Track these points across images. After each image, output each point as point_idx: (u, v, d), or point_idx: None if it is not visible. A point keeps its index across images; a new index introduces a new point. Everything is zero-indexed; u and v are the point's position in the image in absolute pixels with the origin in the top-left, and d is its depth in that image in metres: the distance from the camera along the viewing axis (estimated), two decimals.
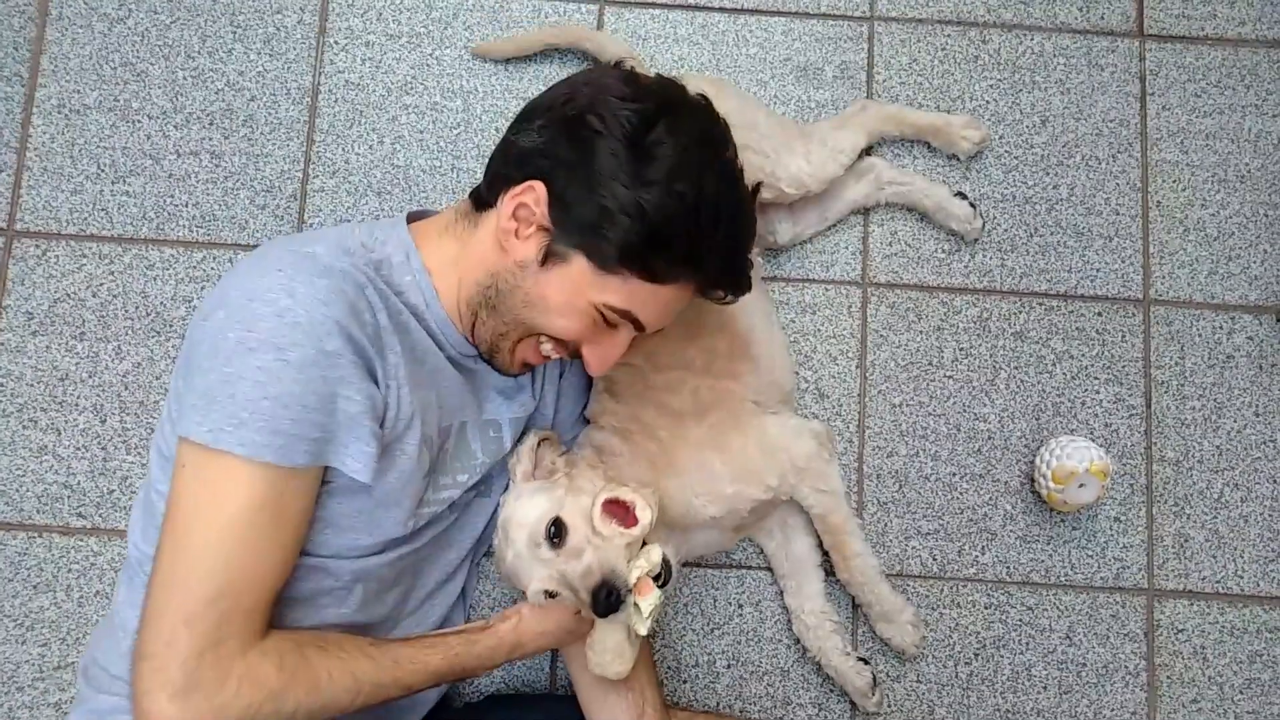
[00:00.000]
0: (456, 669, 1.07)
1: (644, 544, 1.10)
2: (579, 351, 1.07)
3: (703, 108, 1.05)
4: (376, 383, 0.96)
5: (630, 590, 1.05)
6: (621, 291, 1.00)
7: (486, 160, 1.08)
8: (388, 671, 1.00)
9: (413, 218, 1.12)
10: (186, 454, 0.91)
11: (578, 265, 0.99)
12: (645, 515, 1.09)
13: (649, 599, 1.06)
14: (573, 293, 1.00)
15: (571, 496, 1.09)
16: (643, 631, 1.08)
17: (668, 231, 0.97)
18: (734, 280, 1.06)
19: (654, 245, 0.97)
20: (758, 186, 1.12)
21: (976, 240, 1.48)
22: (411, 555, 1.11)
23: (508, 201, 1.00)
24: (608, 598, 1.02)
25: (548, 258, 0.99)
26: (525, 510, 1.09)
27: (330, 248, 0.98)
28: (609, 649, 1.11)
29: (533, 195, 0.99)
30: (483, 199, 1.06)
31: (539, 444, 1.18)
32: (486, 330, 1.06)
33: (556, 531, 1.07)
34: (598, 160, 0.96)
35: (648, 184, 0.95)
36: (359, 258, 1.00)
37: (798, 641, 1.38)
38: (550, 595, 1.07)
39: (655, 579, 1.08)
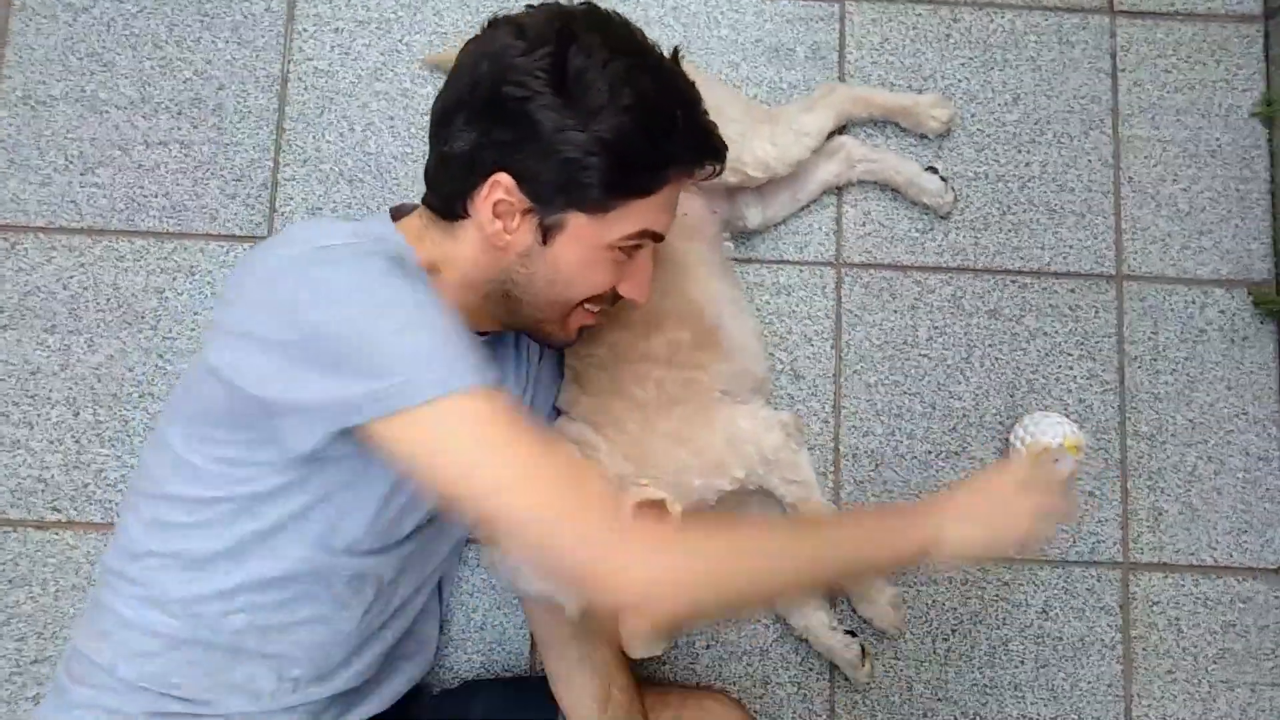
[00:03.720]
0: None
1: None
2: (616, 296, 1.08)
3: (594, 15, 1.01)
4: None
5: None
6: (627, 220, 1.00)
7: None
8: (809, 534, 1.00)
9: (395, 213, 1.09)
10: (397, 430, 0.86)
11: (575, 223, 0.99)
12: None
13: None
14: (585, 249, 1.01)
15: None
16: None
17: (635, 147, 0.97)
18: (711, 152, 1.05)
19: (630, 167, 0.98)
20: (675, 50, 1.07)
21: (949, 215, 1.48)
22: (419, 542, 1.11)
23: (481, 206, 0.98)
24: None
25: (546, 233, 1.00)
26: None
27: (348, 238, 0.97)
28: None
29: (501, 188, 0.97)
30: (444, 214, 1.03)
31: None
32: (523, 321, 1.08)
33: None
34: (539, 124, 0.94)
35: (594, 115, 0.94)
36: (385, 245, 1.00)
37: (776, 621, 1.38)
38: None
39: None
